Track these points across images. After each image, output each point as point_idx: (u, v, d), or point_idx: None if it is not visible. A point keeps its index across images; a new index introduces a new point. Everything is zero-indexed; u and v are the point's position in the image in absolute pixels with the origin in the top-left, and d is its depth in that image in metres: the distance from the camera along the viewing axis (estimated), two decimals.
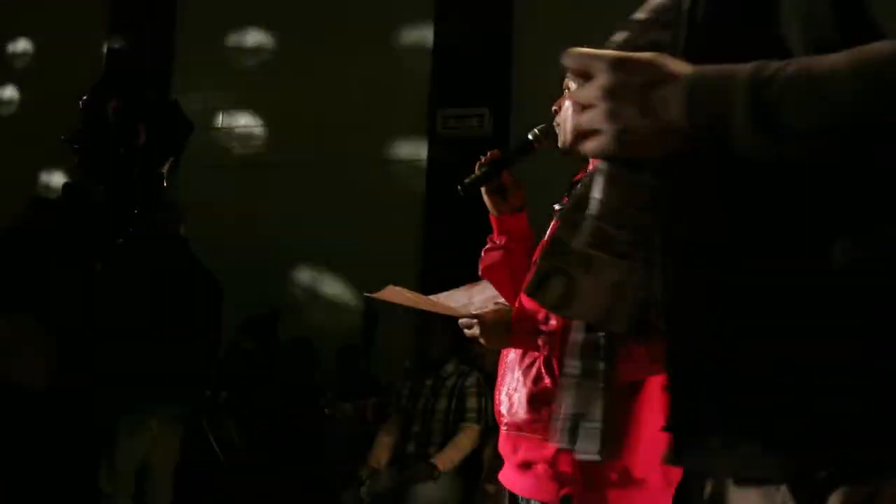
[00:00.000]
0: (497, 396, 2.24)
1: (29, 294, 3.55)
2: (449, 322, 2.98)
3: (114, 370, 3.64)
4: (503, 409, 2.19)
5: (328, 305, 7.40)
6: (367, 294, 2.44)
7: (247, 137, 8.09)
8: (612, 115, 0.98)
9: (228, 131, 8.13)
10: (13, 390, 3.49)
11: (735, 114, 0.90)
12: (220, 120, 8.15)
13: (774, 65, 0.91)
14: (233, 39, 8.18)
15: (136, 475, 3.93)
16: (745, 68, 0.92)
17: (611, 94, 0.98)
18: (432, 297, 2.42)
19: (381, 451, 4.80)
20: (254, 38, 8.14)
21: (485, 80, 7.09)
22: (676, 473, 2.22)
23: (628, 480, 2.02)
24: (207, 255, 4.76)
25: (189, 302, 3.87)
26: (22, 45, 8.87)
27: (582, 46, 1.05)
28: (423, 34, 7.48)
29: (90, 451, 3.77)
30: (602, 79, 0.99)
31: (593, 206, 1.10)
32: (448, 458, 4.56)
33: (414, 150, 7.44)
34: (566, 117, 2.09)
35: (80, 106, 4.36)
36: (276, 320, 6.87)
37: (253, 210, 7.44)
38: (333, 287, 7.50)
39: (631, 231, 1.10)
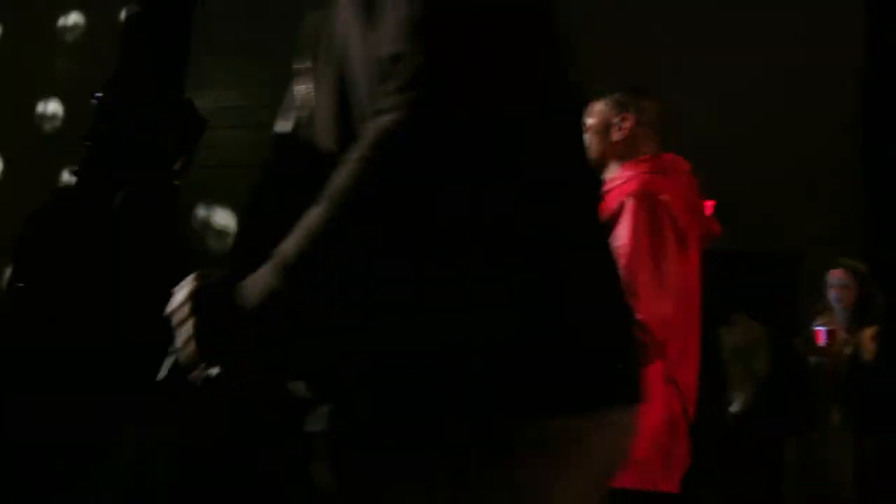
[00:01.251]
0: None
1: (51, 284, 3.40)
2: None
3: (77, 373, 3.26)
4: None
5: None
6: None
7: (261, 137, 7.99)
8: (194, 315, 1.18)
9: (242, 130, 8.05)
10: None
11: (273, 291, 1.13)
12: (234, 119, 8.07)
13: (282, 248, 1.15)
14: (250, 36, 8.12)
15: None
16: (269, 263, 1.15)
17: (190, 300, 1.19)
18: None
19: None
20: (271, 36, 8.06)
21: None
22: (678, 458, 2.50)
23: None
24: (222, 257, 4.64)
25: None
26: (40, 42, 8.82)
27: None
28: None
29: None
30: (183, 292, 1.21)
31: None
32: None
33: None
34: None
35: (94, 102, 4.29)
36: None
37: None
38: None
39: None
